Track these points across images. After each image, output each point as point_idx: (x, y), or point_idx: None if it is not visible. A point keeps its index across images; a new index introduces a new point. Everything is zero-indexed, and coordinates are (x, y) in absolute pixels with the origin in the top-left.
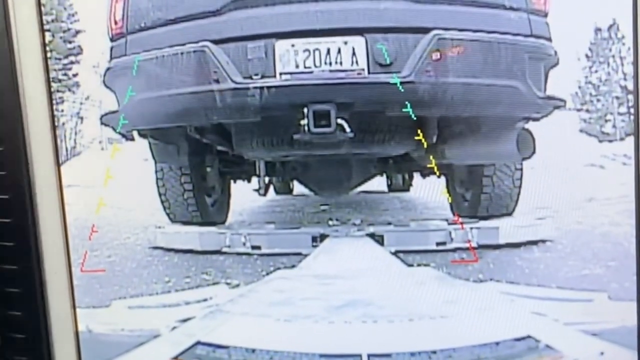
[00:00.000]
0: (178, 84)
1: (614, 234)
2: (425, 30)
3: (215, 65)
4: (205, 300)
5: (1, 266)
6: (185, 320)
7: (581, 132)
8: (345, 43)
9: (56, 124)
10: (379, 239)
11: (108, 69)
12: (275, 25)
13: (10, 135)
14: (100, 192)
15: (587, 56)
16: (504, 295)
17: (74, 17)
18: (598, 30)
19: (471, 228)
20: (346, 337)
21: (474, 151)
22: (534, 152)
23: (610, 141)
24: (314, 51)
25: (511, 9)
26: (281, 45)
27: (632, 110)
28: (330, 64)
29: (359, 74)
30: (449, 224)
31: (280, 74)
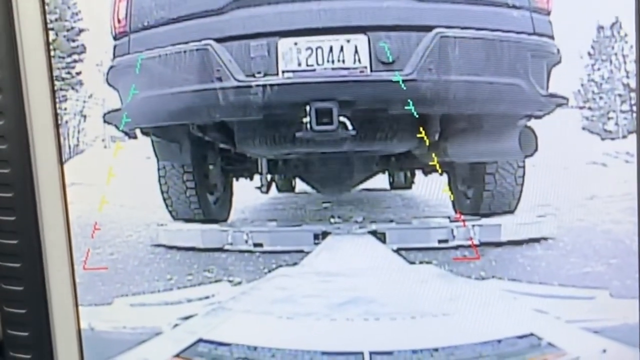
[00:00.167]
0: (181, 82)
1: (615, 231)
2: (428, 29)
3: (218, 63)
4: (207, 297)
5: (4, 264)
6: (187, 318)
7: (583, 130)
8: (348, 41)
9: (59, 122)
10: (380, 237)
11: (111, 67)
12: (278, 24)
13: (13, 133)
14: (103, 190)
15: (589, 54)
16: (506, 293)
17: (78, 16)
18: (601, 28)
19: (473, 225)
20: (348, 334)
21: (476, 149)
22: (536, 150)
23: (612, 139)
24: (316, 49)
25: (514, 7)
26: (284, 44)
27: (634, 108)
28: (333, 62)
29: (361, 72)
30: (451, 221)
31: (283, 72)
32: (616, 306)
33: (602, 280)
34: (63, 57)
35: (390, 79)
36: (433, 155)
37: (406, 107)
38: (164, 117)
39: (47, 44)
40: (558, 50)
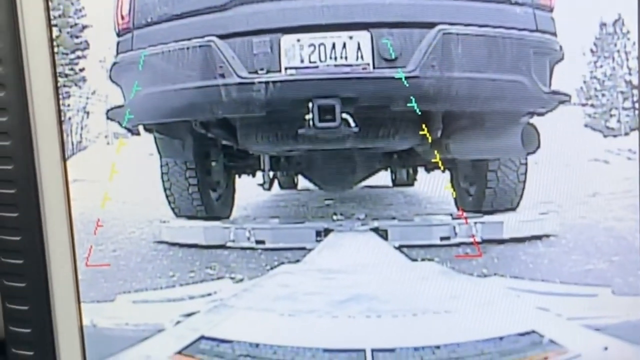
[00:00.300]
0: (184, 78)
1: (618, 228)
2: (430, 25)
3: (221, 60)
4: (209, 294)
5: (6, 260)
6: (189, 315)
7: (586, 127)
8: (351, 38)
9: (62, 118)
10: (383, 234)
11: (114, 63)
12: (281, 20)
13: (16, 130)
14: (106, 186)
15: (592, 51)
16: (508, 290)
17: (81, 12)
18: (603, 25)
19: (475, 223)
20: (350, 331)
21: (479, 146)
22: (538, 147)
23: (614, 136)
24: (319, 46)
25: (517, 4)
26: (287, 40)
27: (637, 105)
28: (336, 58)
29: (364, 68)
30: (453, 218)
31: (286, 68)
32: (618, 303)
33: (604, 277)
34: (66, 54)
35: (393, 76)
36: (435, 152)
37: (409, 104)
38: (167, 113)
39: (51, 40)
40: (561, 47)
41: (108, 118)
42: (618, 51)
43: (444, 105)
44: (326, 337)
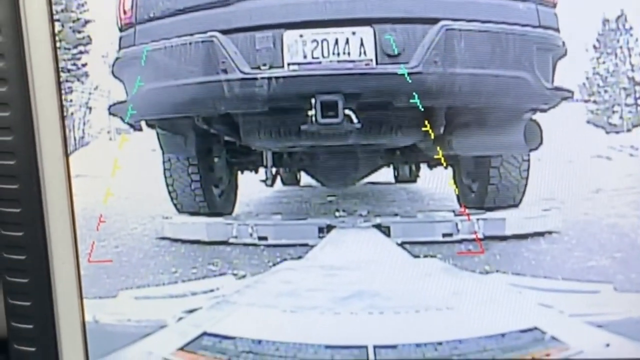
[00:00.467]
0: (186, 74)
1: (620, 225)
2: (433, 21)
3: (224, 55)
4: (211, 291)
5: (9, 256)
6: (191, 311)
7: (588, 124)
8: (354, 33)
9: (65, 114)
10: (385, 230)
11: (117, 59)
12: (283, 16)
13: (19, 125)
14: (108, 182)
15: (594, 47)
16: (510, 287)
17: (84, 7)
18: (606, 21)
19: (478, 219)
20: (352, 328)
21: (481, 142)
22: (541, 143)
23: (617, 132)
24: (322, 41)
25: None
26: (289, 36)
27: (639, 102)
28: (338, 54)
29: (366, 64)
30: (456, 215)
31: (288, 64)
32: (620, 300)
33: (606, 274)
34: (69, 49)
35: (396, 72)
36: (438, 148)
37: (411, 100)
38: (169, 109)
39: (53, 35)
40: (563, 43)
41: (110, 113)
42: (621, 47)
43: (446, 101)
44: (328, 333)
